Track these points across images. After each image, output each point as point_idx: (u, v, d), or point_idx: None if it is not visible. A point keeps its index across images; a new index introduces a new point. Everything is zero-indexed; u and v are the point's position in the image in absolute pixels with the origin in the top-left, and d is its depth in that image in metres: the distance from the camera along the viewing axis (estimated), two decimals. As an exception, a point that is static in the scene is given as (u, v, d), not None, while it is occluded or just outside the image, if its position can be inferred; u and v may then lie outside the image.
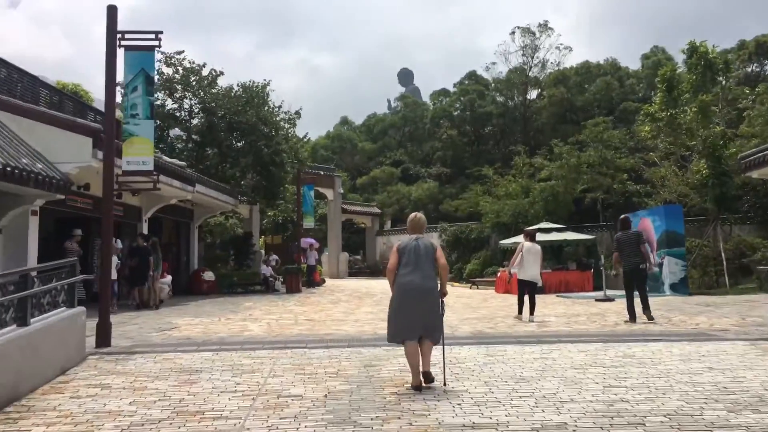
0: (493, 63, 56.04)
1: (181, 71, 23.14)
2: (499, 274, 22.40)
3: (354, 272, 38.33)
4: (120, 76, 11.15)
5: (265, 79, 24.45)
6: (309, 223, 28.25)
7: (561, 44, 45.71)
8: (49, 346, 6.85)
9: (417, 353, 6.19)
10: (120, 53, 10.09)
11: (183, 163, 18.63)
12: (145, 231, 17.15)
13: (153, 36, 11.03)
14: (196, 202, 20.94)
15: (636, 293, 11.36)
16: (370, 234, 41.63)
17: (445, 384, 6.25)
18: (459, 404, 5.58)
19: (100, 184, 9.52)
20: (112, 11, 9.53)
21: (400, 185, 45.20)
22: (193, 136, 23.64)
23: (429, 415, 5.28)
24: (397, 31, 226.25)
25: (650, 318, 11.01)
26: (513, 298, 14.72)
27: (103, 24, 9.48)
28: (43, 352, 6.70)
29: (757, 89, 26.27)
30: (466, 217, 33.95)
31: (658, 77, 24.09)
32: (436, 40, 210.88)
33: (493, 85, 47.42)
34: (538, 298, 12.47)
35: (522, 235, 13.74)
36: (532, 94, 45.95)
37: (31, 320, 6.58)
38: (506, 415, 5.24)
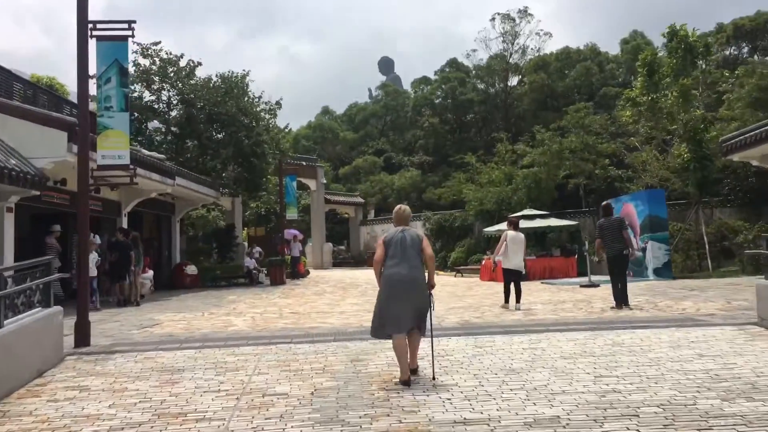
0: (474, 50, 55.72)
1: (158, 62, 22.69)
2: (483, 262, 22.39)
3: (338, 263, 38.13)
4: (93, 68, 10.86)
5: (244, 69, 24.10)
6: (292, 214, 27.99)
7: (541, 30, 45.97)
8: (24, 348, 6.63)
9: (405, 347, 6.08)
10: (93, 44, 9.81)
11: (162, 156, 18.27)
12: (125, 226, 16.82)
13: (126, 26, 10.81)
14: (177, 196, 20.61)
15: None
16: (354, 224, 41.46)
17: (434, 378, 6.13)
18: (449, 399, 5.46)
19: (76, 179, 9.27)
20: (82, 1, 9.23)
21: (383, 174, 45.07)
22: (172, 129, 23.24)
23: (419, 411, 5.15)
24: (377, 19, 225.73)
25: (626, 305, 11.11)
26: (498, 286, 14.70)
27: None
28: (18, 354, 6.49)
29: (736, 72, 26.40)
30: (450, 206, 33.91)
31: (639, 62, 24.05)
32: (416, 27, 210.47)
33: (474, 72, 47.39)
34: (523, 285, 12.47)
35: (506, 223, 13.72)
36: (513, 80, 46.07)
37: (4, 322, 6.37)
38: (497, 410, 5.13)
